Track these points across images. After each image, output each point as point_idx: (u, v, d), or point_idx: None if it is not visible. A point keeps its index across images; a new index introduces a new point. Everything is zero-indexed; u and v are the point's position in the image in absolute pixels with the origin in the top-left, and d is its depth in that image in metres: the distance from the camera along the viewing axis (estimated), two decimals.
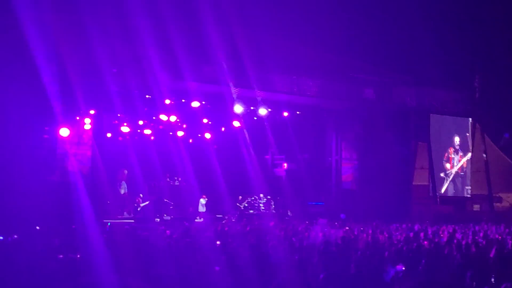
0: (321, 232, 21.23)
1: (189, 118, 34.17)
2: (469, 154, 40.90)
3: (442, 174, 39.46)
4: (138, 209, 32.49)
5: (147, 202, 32.95)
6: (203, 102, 32.05)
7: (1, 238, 16.45)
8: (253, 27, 29.62)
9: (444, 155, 39.75)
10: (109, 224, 26.61)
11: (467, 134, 40.79)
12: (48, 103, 25.99)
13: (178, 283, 10.87)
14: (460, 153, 40.24)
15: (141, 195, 33.46)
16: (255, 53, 30.03)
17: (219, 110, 33.25)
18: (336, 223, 28.06)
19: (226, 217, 32.50)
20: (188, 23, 28.13)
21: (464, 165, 40.49)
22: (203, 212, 33.57)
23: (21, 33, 22.57)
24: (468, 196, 40.50)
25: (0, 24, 23.48)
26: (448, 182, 39.65)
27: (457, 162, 40.16)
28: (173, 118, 32.54)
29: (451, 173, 39.91)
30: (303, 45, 33.12)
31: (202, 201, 34.00)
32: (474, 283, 11.01)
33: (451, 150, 39.93)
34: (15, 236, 17.15)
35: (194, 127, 36.48)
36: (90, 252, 14.48)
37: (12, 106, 25.97)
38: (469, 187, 40.60)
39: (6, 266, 12.32)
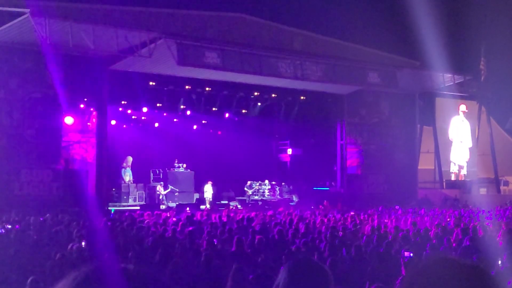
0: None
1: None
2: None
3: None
4: (160, 197, 32.53)
5: (169, 189, 33.03)
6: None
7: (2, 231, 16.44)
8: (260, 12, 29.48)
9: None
10: (112, 210, 26.70)
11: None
12: (53, 91, 26.01)
13: (183, 270, 10.83)
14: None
15: (161, 183, 33.45)
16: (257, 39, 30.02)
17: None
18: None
19: (231, 204, 32.46)
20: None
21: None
22: (209, 198, 33.43)
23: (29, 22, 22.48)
24: (474, 179, 40.42)
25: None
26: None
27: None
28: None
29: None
30: (307, 30, 33.04)
31: (208, 187, 33.82)
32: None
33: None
34: (17, 227, 17.17)
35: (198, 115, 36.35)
36: (95, 239, 14.48)
37: (17, 95, 26.00)
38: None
39: (8, 256, 12.34)
